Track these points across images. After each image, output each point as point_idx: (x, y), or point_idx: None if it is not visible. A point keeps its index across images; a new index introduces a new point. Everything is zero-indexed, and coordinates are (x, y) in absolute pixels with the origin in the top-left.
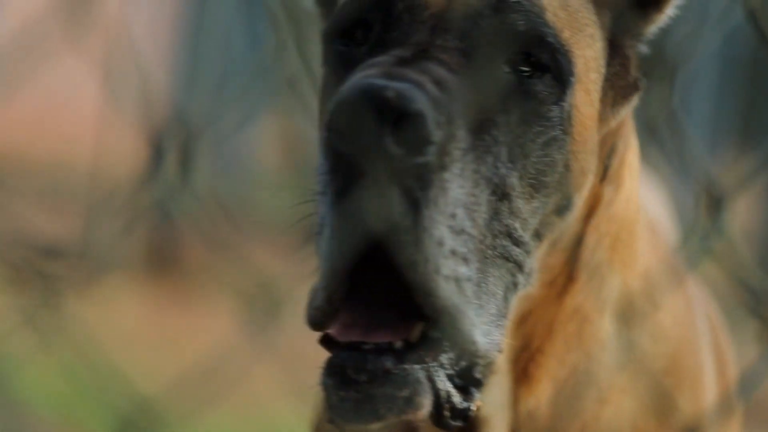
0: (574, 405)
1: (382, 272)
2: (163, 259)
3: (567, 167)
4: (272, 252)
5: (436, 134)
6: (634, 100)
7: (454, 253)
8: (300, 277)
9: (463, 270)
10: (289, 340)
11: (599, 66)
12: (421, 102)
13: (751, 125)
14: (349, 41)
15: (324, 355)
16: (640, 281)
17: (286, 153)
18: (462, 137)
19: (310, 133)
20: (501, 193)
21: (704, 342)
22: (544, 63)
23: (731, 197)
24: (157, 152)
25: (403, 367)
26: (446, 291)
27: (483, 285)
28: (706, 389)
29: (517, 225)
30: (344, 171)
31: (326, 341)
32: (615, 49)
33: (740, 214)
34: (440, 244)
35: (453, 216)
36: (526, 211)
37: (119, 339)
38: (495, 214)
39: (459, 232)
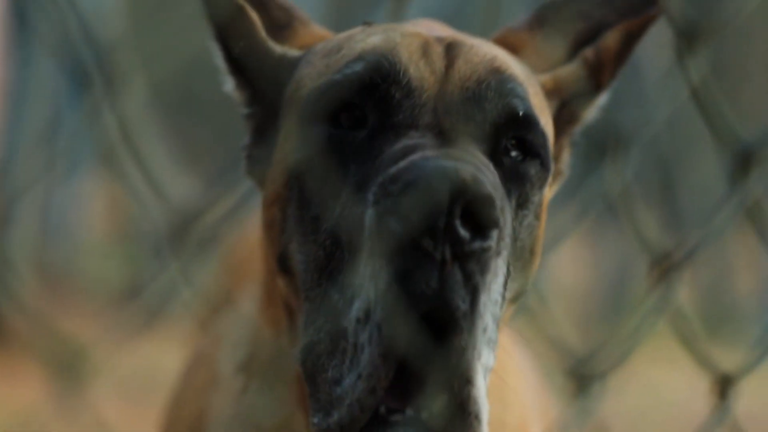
0: None
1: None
2: None
3: (532, 252)
4: (92, 319)
5: (501, 219)
6: (558, 186)
7: (489, 341)
8: (115, 345)
9: (490, 359)
10: (96, 409)
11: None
12: (489, 186)
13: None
14: (337, 125)
15: (129, 422)
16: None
17: (112, 220)
18: (509, 223)
19: (132, 202)
20: (504, 281)
21: (532, 402)
22: (536, 149)
23: (547, 252)
24: None
25: None
26: (480, 380)
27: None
28: None
29: (499, 317)
30: (405, 254)
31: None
32: (556, 135)
33: (568, 270)
34: (485, 330)
35: (496, 303)
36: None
37: None
38: (501, 304)
39: (495, 318)
